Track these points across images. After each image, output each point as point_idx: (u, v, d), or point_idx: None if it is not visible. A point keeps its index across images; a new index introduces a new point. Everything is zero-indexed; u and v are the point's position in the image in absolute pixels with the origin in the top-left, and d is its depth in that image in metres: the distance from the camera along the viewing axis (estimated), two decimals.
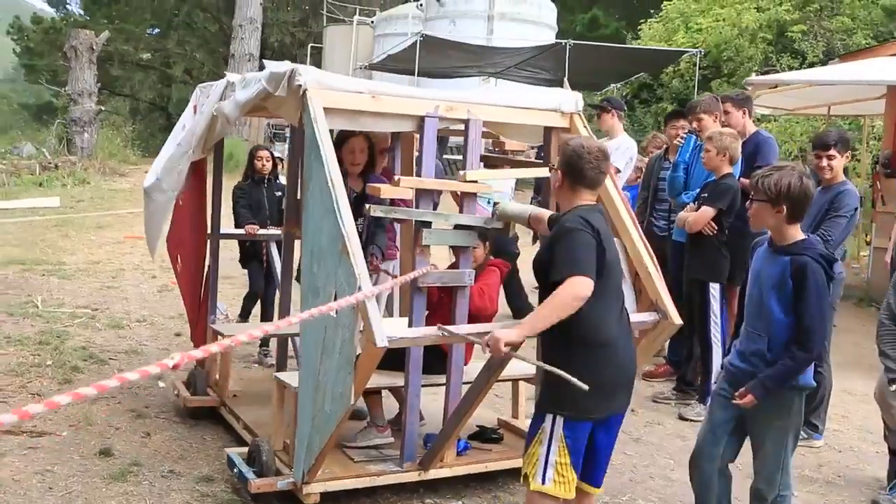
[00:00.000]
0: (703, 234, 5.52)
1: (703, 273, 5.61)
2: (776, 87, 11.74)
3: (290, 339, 4.99)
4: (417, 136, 4.18)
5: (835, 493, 4.61)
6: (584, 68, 16.65)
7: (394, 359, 3.98)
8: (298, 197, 4.37)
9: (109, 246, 11.04)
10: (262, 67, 4.34)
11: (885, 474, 4.57)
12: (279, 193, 6.25)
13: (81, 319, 7.15)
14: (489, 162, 4.98)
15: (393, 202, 4.31)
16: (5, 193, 15.50)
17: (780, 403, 3.31)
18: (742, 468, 3.98)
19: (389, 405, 4.55)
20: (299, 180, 4.34)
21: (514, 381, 4.81)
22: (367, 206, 3.74)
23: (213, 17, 31.93)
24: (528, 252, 5.22)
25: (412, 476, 4.04)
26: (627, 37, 24.87)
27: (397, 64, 17.20)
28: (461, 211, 4.01)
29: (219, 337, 5.03)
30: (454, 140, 9.02)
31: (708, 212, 5.47)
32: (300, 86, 3.62)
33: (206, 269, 5.33)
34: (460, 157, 4.29)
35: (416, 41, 15.33)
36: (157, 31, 33.53)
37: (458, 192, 4.06)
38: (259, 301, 6.52)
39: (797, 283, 3.19)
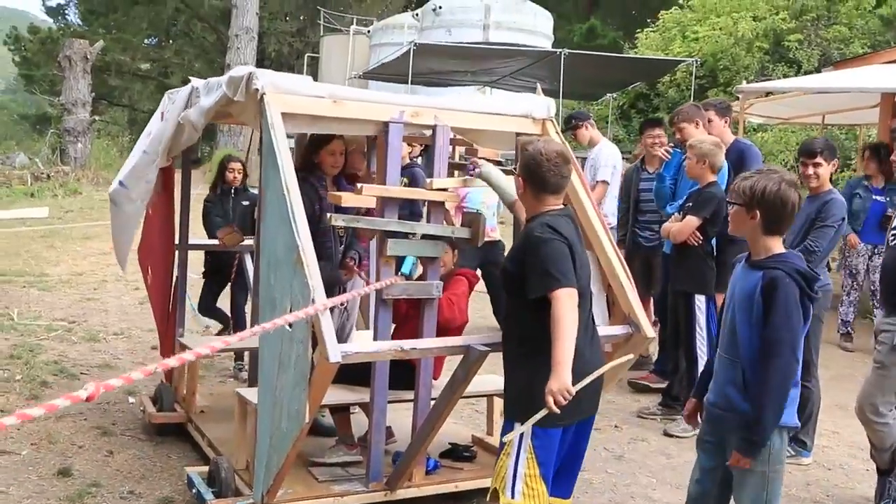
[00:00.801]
0: (688, 244, 5.37)
1: (689, 284, 5.44)
2: (768, 94, 11.60)
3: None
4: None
5: None
6: (580, 78, 16.53)
7: (362, 374, 3.85)
8: None
9: (94, 257, 10.88)
10: None
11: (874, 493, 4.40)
12: (246, 203, 6.12)
13: (57, 332, 7.00)
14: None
15: (369, 211, 4.14)
16: None
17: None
18: None
19: (362, 421, 4.39)
20: None
21: (489, 397, 4.65)
22: (328, 215, 3.60)
23: (211, 26, 31.89)
24: None
25: (378, 496, 3.87)
26: (624, 46, 24.79)
27: (390, 72, 17.09)
28: (428, 220, 3.87)
29: (186, 350, 4.87)
30: None
31: (692, 221, 5.32)
32: (258, 90, 3.49)
33: (174, 280, 5.19)
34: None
35: (410, 49, 15.22)
36: (154, 40, 33.53)
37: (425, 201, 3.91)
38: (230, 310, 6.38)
39: (766, 297, 2.82)
